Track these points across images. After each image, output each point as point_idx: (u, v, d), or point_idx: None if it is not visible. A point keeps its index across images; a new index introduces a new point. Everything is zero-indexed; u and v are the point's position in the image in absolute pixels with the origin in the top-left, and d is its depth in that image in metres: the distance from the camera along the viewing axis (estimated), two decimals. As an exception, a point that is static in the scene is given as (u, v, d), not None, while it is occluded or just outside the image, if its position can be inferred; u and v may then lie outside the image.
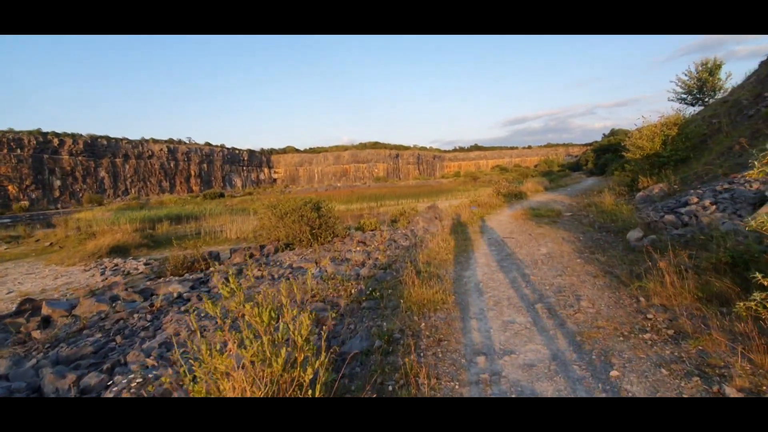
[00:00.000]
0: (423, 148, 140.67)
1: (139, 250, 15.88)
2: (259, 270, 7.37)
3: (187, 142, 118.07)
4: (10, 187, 78.59)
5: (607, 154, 42.04)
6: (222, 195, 73.42)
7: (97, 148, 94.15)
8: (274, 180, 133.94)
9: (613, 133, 59.11)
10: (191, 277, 7.51)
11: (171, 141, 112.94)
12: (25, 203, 77.65)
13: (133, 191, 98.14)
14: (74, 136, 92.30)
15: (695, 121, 11.79)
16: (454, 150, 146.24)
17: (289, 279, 6.72)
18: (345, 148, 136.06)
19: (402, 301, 4.82)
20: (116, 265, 13.05)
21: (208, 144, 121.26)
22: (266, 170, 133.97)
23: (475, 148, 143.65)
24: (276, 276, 7.14)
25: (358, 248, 9.46)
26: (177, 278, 7.59)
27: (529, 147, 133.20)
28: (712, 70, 22.17)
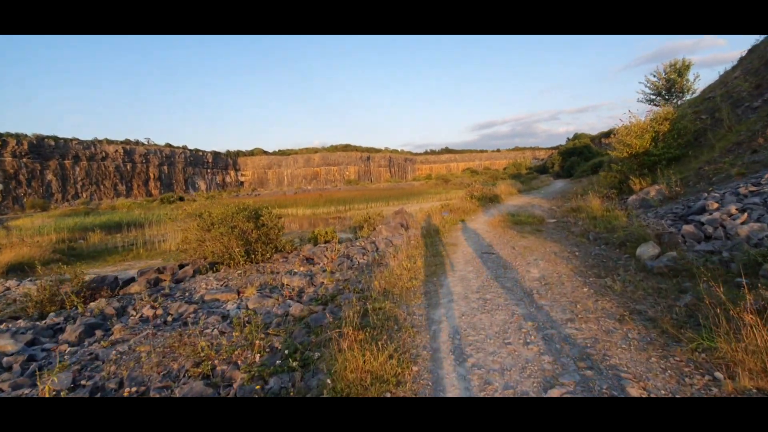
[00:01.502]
0: (395, 151, 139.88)
1: (50, 267, 13.11)
2: (152, 307, 5.26)
3: (146, 143, 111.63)
4: (-61, 192, 70.86)
5: (573, 157, 43.00)
6: (181, 199, 68.99)
7: (43, 149, 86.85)
8: (241, 183, 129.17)
9: (577, 137, 60.63)
10: (44, 323, 5.22)
11: (128, 142, 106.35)
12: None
13: (84, 195, 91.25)
14: (18, 137, 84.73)
15: (686, 116, 10.68)
16: (426, 153, 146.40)
17: (187, 323, 4.65)
18: (315, 150, 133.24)
19: (330, 379, 2.91)
20: (8, 288, 10.41)
21: (168, 145, 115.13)
22: (233, 173, 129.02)
23: (446, 151, 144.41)
24: (173, 316, 5.06)
25: (301, 268, 7.48)
26: (28, 321, 5.29)
27: (498, 150, 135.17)
28: (680, 70, 21.70)
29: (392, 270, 6.40)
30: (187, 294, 6.18)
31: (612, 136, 12.17)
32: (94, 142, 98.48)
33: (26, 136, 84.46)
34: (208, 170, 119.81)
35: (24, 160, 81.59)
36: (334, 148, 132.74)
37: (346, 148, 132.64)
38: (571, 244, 7.38)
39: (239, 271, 7.48)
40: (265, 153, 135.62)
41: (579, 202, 11.27)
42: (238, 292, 6.04)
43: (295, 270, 7.45)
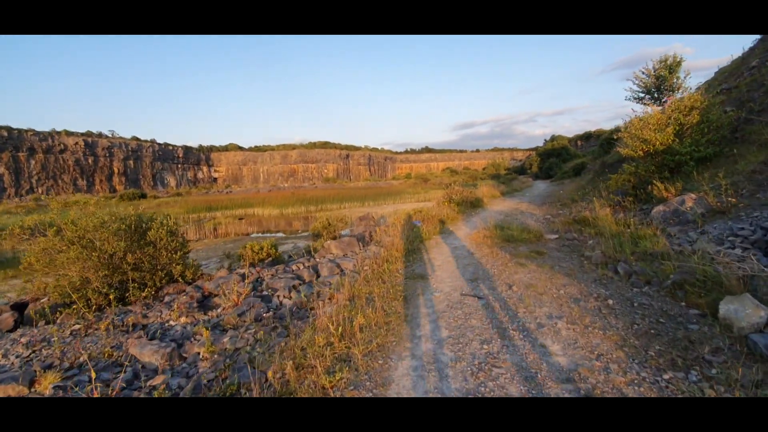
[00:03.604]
0: (375, 149, 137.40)
1: None
2: None
3: (110, 135, 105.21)
4: None
5: (552, 159, 43.02)
6: (143, 196, 64.40)
7: (-8, 139, 79.76)
8: (215, 179, 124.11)
9: (554, 138, 60.86)
10: None
11: (89, 134, 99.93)
12: None
13: (40, 190, 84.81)
14: (-39, 126, 77.44)
15: (715, 106, 8.54)
16: (406, 152, 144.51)
17: None
18: (293, 147, 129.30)
19: None
20: None
21: (135, 138, 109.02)
22: (205, 169, 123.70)
23: (426, 150, 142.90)
24: None
25: (183, 319, 4.78)
26: None
27: (478, 150, 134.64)
28: (671, 67, 19.94)
29: (316, 331, 3.81)
30: None
31: (622, 130, 9.92)
32: (52, 134, 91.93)
33: (-29, 125, 77.42)
34: (179, 165, 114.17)
35: (-31, 151, 74.77)
36: (313, 145, 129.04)
37: (325, 145, 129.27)
38: (593, 282, 4.96)
39: (82, 323, 4.70)
40: (241, 149, 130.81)
41: (582, 212, 8.95)
42: (31, 383, 3.32)
43: (172, 321, 4.73)
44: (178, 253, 6.35)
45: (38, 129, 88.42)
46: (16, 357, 3.88)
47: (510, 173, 56.27)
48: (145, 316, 4.91)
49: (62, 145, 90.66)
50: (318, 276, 6.47)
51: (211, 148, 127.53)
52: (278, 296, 5.43)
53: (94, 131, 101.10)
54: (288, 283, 5.85)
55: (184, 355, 3.91)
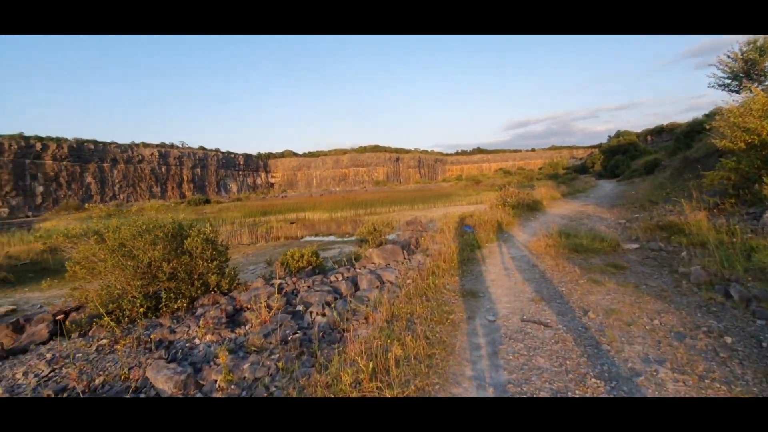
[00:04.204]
0: (425, 152, 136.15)
1: (-19, 289, 10.92)
2: None
3: (180, 146, 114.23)
4: (-13, 194, 74.66)
5: (618, 156, 39.85)
6: (208, 201, 68.86)
7: (83, 152, 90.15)
8: (272, 185, 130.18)
9: (620, 134, 56.17)
10: None
11: (163, 145, 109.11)
12: (5, 210, 73.89)
13: (121, 197, 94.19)
14: (59, 141, 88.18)
15: None
16: (457, 153, 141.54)
17: None
18: (344, 151, 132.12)
19: None
20: None
21: (202, 148, 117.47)
22: (263, 175, 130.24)
23: (478, 151, 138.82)
24: None
25: (208, 337, 4.42)
26: None
27: (533, 150, 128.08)
28: (762, 49, 17.02)
29: (345, 363, 3.21)
30: None
31: (718, 118, 8.30)
32: (131, 146, 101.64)
33: (66, 139, 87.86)
34: (240, 172, 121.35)
35: (64, 163, 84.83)
36: (363, 149, 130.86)
37: (375, 148, 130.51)
38: (697, 308, 3.86)
39: (109, 338, 4.51)
40: (295, 155, 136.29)
41: (667, 216, 7.54)
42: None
43: (198, 339, 4.39)
44: (214, 263, 6.11)
45: (120, 142, 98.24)
46: (35, 376, 3.72)
47: (570, 173, 52.83)
48: (172, 331, 4.63)
49: (140, 156, 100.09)
50: (356, 289, 5.89)
51: (269, 155, 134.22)
52: (311, 312, 4.92)
53: (167, 142, 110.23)
54: (323, 298, 5.33)
55: (201, 382, 3.49)
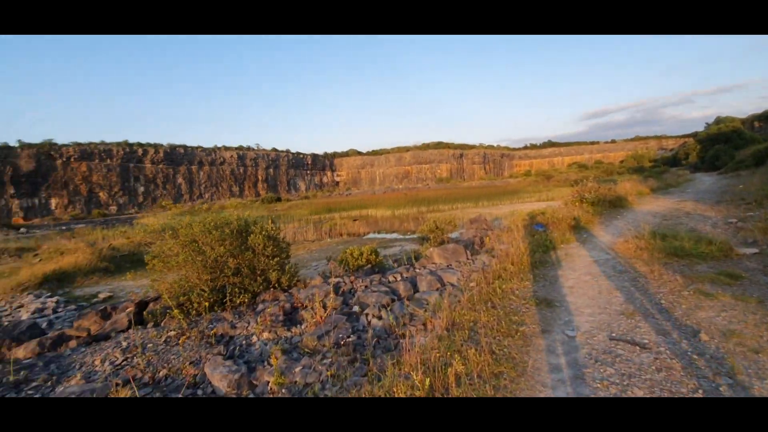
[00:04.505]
0: (490, 147, 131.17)
1: (89, 277, 12.47)
2: None
3: (255, 148, 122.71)
4: (101, 194, 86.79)
5: (718, 145, 34.43)
6: (279, 199, 73.11)
7: (175, 156, 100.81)
8: (337, 183, 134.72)
9: (720, 121, 48.47)
10: None
11: (241, 148, 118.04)
12: (114, 208, 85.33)
13: (206, 196, 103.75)
14: (156, 146, 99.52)
15: None
16: (525, 147, 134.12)
17: None
18: (407, 149, 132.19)
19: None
20: (14, 307, 9.52)
21: (274, 149, 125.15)
22: (329, 173, 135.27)
23: (549, 144, 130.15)
24: None
25: (266, 335, 4.37)
26: None
27: (613, 141, 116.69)
28: None
29: (399, 375, 2.90)
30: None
31: None
32: (215, 149, 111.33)
33: (162, 145, 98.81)
34: (308, 171, 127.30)
35: (160, 166, 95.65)
36: (426, 146, 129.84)
37: (438, 145, 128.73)
38: None
39: (176, 330, 4.70)
40: (359, 153, 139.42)
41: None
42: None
43: (255, 337, 4.38)
44: (275, 259, 6.17)
45: (205, 146, 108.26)
46: (110, 364, 3.96)
47: (658, 165, 47.25)
48: (233, 326, 4.71)
49: (222, 159, 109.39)
50: (415, 291, 5.56)
51: (334, 155, 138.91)
52: (367, 315, 4.69)
53: (245, 145, 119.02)
54: (380, 299, 5.08)
55: (255, 382, 3.42)
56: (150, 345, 4.32)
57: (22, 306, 9.48)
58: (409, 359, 3.14)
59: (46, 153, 78.74)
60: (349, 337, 4.03)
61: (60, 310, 8.94)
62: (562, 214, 9.76)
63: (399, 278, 6.24)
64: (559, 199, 21.21)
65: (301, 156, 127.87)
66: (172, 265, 5.86)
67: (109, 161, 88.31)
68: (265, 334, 4.36)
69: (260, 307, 5.44)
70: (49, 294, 10.49)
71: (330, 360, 3.52)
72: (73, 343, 4.75)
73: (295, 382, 3.28)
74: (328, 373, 3.21)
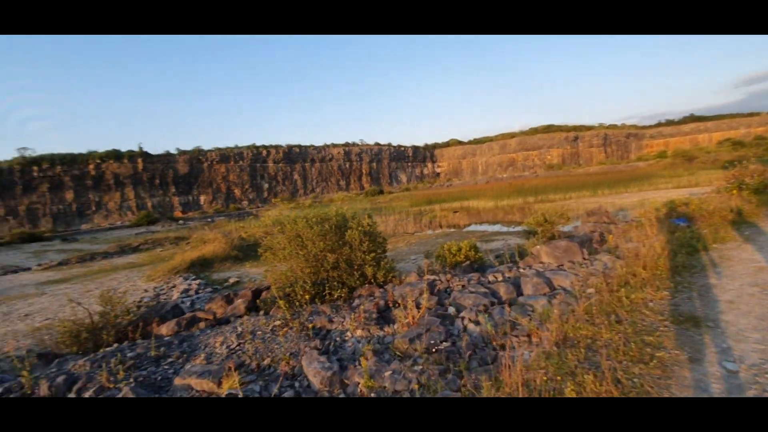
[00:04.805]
0: (612, 126, 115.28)
1: (223, 263, 14.52)
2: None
3: (360, 143, 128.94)
4: (236, 191, 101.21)
5: None
6: (381, 192, 75.74)
7: (292, 155, 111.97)
8: (437, 174, 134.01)
9: None
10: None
11: (347, 144, 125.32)
12: (246, 203, 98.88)
13: (317, 190, 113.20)
14: (276, 147, 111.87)
15: None
16: (658, 124, 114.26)
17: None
18: (512, 135, 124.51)
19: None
20: (170, 286, 11.54)
21: (377, 144, 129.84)
22: (429, 165, 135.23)
23: (691, 119, 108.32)
24: None
25: (359, 332, 4.35)
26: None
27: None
28: None
29: (497, 393, 2.55)
30: (155, 376, 4.02)
31: None
32: (324, 147, 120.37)
33: (281, 146, 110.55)
34: (408, 164, 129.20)
35: (280, 164, 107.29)
36: (534, 131, 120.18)
37: (548, 129, 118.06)
38: None
39: (281, 321, 5.01)
40: (460, 143, 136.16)
41: None
42: (219, 381, 3.52)
43: (349, 333, 4.41)
44: (371, 254, 6.21)
45: (316, 144, 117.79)
46: (227, 347, 4.40)
47: None
48: (330, 320, 4.84)
49: (330, 155, 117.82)
50: (519, 294, 5.00)
51: (435, 146, 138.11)
52: (463, 318, 4.36)
53: (350, 141, 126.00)
54: (478, 301, 4.68)
55: (346, 381, 3.41)
56: (259, 333, 4.70)
57: (174, 286, 11.48)
58: (510, 379, 2.75)
59: (196, 158, 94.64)
60: (442, 342, 3.76)
61: (200, 291, 10.57)
62: (713, 204, 7.87)
63: (500, 278, 5.72)
64: (706, 186, 17.44)
65: (402, 149, 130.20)
66: (280, 258, 6.32)
67: (241, 162, 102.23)
68: (359, 332, 4.37)
69: (356, 302, 5.52)
70: (194, 277, 12.51)
71: (421, 367, 3.31)
72: (202, 325, 5.49)
73: (384, 387, 3.16)
74: (415, 386, 3.01)
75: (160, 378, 3.92)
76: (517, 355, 3.24)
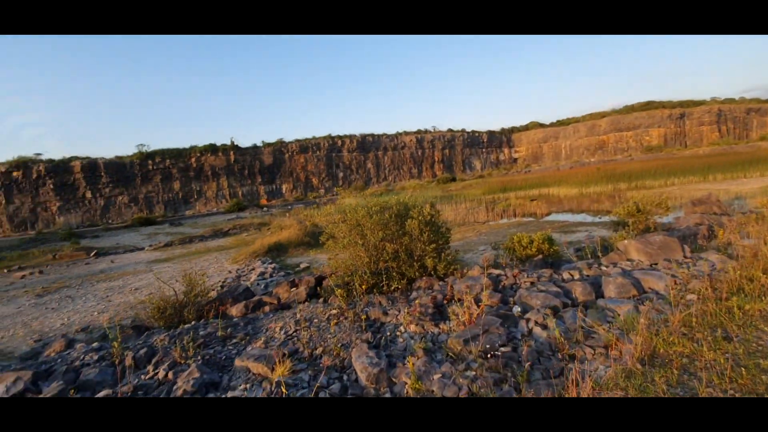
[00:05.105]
0: (729, 101, 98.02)
1: (297, 249, 15.34)
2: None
3: (432, 130, 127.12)
4: (314, 180, 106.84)
5: None
6: (453, 179, 74.12)
7: (365, 144, 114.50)
8: (515, 160, 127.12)
9: None
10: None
11: (419, 131, 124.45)
12: (322, 191, 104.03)
13: (390, 178, 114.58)
14: (350, 137, 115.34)
15: None
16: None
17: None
18: (602, 114, 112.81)
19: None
20: (250, 269, 12.49)
21: (450, 130, 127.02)
22: (506, 150, 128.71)
23: None
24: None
25: (413, 327, 4.15)
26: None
27: None
28: None
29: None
30: (219, 355, 4.24)
31: None
32: (397, 135, 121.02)
33: (355, 135, 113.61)
34: (483, 149, 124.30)
35: (354, 154, 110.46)
36: (630, 109, 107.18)
37: (647, 106, 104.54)
38: None
39: (339, 308, 5.01)
40: (541, 126, 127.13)
41: None
42: (272, 367, 3.60)
43: (402, 327, 4.24)
44: (432, 245, 5.95)
45: (389, 133, 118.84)
46: (285, 333, 4.52)
47: None
48: (385, 313, 4.72)
49: (402, 143, 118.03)
50: (598, 296, 4.36)
51: (512, 130, 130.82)
52: (528, 320, 3.92)
53: (422, 129, 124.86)
54: (547, 302, 4.18)
55: (394, 380, 3.26)
56: (315, 320, 4.77)
57: (253, 269, 12.42)
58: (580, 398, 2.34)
59: (279, 149, 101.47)
60: (501, 346, 3.41)
61: (274, 275, 11.27)
62: None
63: (577, 276, 5.08)
64: None
65: (477, 134, 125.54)
66: (341, 247, 6.36)
67: (318, 152, 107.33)
68: (412, 327, 4.18)
69: (413, 294, 5.33)
70: (270, 261, 13.40)
71: (474, 373, 3.02)
72: (266, 309, 5.77)
73: (432, 391, 2.94)
74: (465, 394, 2.73)
75: (224, 357, 4.18)
76: (590, 369, 2.79)
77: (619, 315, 3.66)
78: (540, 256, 6.64)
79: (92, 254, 20.76)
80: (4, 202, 60.44)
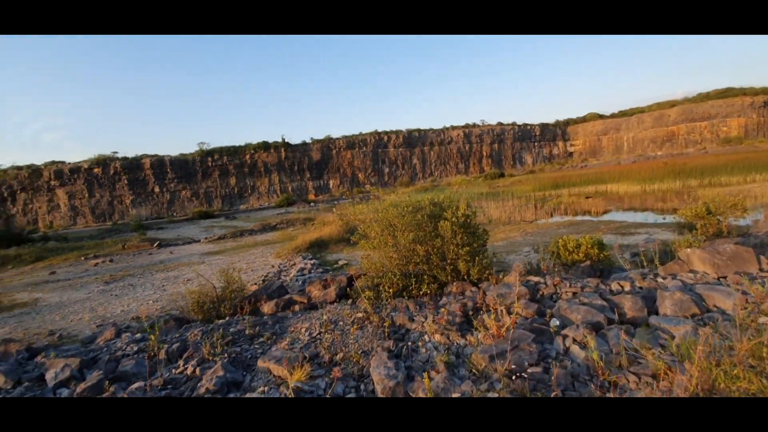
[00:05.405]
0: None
1: (337, 245, 15.53)
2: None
3: (480, 124, 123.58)
4: (360, 175, 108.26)
5: None
6: (502, 175, 71.60)
7: (411, 140, 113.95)
8: (570, 154, 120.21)
9: None
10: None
11: (467, 126, 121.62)
12: (368, 186, 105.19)
13: (436, 174, 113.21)
14: (397, 133, 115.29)
15: None
16: None
17: None
18: (672, 103, 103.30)
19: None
20: (291, 264, 12.82)
21: (500, 124, 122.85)
22: (561, 144, 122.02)
23: None
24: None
25: (437, 337, 3.90)
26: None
27: None
28: None
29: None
30: (236, 354, 4.26)
31: None
32: (443, 130, 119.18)
33: (401, 131, 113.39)
34: (535, 143, 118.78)
35: (400, 149, 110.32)
36: (705, 97, 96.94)
37: (725, 93, 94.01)
38: None
39: (365, 311, 4.89)
40: (601, 117, 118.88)
41: None
42: (291, 371, 3.56)
43: (427, 336, 4.03)
44: (465, 248, 5.65)
45: (435, 128, 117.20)
46: (309, 335, 4.49)
47: None
48: (411, 319, 4.54)
49: (449, 138, 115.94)
50: (650, 312, 3.86)
51: (568, 122, 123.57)
52: (565, 337, 3.55)
53: (470, 123, 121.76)
54: (590, 317, 3.77)
55: (411, 394, 3.08)
56: (340, 323, 4.70)
57: (294, 264, 12.74)
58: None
59: (326, 145, 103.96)
60: (531, 366, 3.10)
61: (313, 271, 11.47)
62: None
63: (627, 288, 4.55)
64: None
65: (529, 127, 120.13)
66: (373, 247, 6.25)
67: (364, 148, 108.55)
68: (437, 336, 3.96)
69: (443, 300, 5.09)
70: (310, 257, 13.67)
71: (497, 395, 2.76)
72: (296, 308, 5.82)
73: (450, 411, 2.72)
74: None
75: (249, 356, 4.24)
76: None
77: (673, 337, 3.20)
78: (588, 262, 6.08)
79: (155, 245, 22.53)
80: (87, 195, 67.62)
